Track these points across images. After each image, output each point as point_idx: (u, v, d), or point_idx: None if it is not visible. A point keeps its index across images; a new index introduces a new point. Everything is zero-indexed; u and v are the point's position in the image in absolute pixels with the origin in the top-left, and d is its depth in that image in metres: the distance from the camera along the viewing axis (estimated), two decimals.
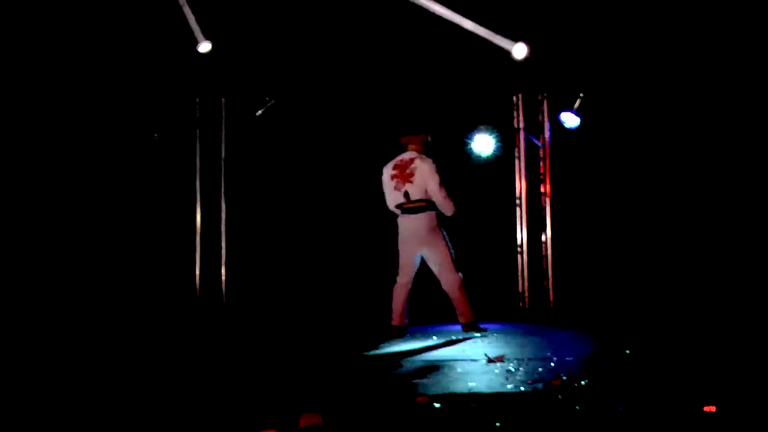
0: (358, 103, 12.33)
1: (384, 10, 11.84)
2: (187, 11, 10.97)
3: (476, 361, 8.88)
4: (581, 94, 11.81)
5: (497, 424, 6.42)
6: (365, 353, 9.56)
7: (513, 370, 8.35)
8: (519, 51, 11.29)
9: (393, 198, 10.23)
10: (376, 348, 9.80)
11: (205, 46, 11.41)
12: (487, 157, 12.24)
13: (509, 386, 7.68)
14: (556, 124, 12.22)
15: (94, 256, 12.13)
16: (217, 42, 11.87)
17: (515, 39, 11.83)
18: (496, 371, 8.34)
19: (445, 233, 10.18)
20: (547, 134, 12.46)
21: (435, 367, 8.63)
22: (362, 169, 11.97)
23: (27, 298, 11.74)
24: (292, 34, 12.04)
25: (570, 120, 11.85)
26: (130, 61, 12.05)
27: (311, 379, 8.18)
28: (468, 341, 10.16)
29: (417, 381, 7.99)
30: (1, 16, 11.33)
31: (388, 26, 11.94)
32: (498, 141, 12.24)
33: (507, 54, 11.57)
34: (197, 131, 12.58)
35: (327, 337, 10.51)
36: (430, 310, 11.53)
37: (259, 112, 11.87)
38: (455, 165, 12.42)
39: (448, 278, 10.15)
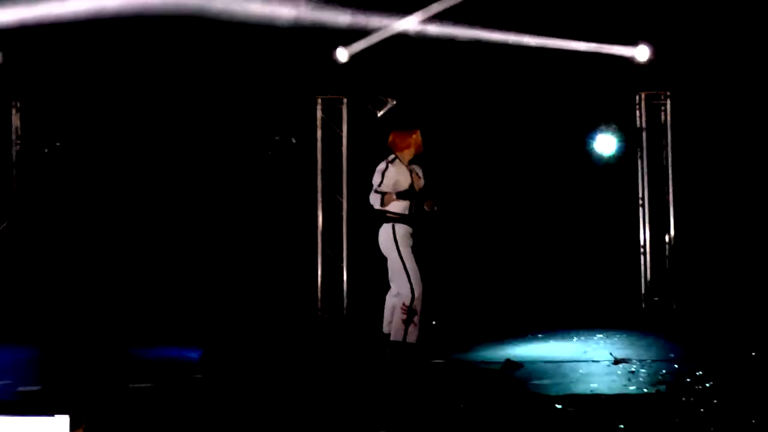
0: (482, 102, 12.45)
1: (502, 10, 11.97)
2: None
3: (598, 362, 8.98)
4: None
5: (620, 425, 6.54)
6: (488, 354, 9.70)
7: (635, 371, 8.44)
8: (642, 53, 11.35)
9: None
10: (500, 349, 9.92)
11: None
12: (609, 156, 12.29)
13: (631, 388, 7.79)
14: (680, 123, 12.23)
15: (217, 259, 12.43)
16: (338, 42, 12.11)
17: (638, 38, 11.88)
18: (619, 372, 8.44)
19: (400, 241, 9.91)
20: (670, 133, 12.46)
21: (557, 369, 8.75)
22: (492, 169, 12.24)
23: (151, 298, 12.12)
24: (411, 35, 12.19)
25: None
26: (252, 62, 12.30)
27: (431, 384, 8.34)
28: (590, 342, 10.26)
29: (538, 382, 8.13)
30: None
31: (509, 26, 12.04)
32: (620, 140, 12.27)
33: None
34: (318, 131, 12.82)
35: (445, 339, 10.63)
36: (554, 312, 11.64)
37: (381, 112, 12.03)
38: (577, 165, 12.48)
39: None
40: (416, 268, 9.74)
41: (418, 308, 9.66)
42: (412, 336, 9.69)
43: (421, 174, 10.02)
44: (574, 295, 12.27)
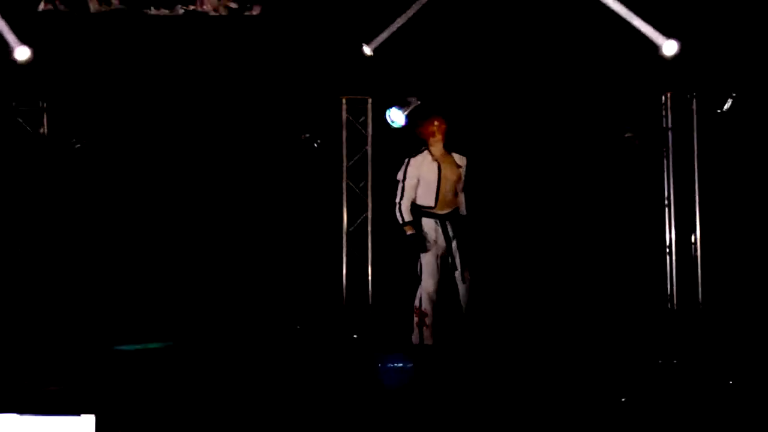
0: (506, 100, 12.43)
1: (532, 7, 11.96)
2: None
3: (623, 364, 8.96)
4: (733, 94, 11.73)
5: (643, 427, 6.52)
6: (509, 354, 9.70)
7: (661, 372, 8.42)
8: (669, 48, 11.25)
9: None
10: (521, 350, 9.92)
11: None
12: (634, 156, 12.27)
13: (657, 389, 7.76)
14: (707, 123, 12.20)
15: (242, 257, 12.45)
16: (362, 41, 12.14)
17: (664, 35, 11.83)
18: (644, 374, 8.41)
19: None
20: (696, 133, 12.42)
21: (582, 370, 8.72)
22: (517, 169, 12.20)
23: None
24: (438, 32, 12.18)
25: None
26: (278, 63, 12.34)
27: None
28: (614, 344, 10.24)
29: (560, 384, 8.12)
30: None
31: (533, 23, 12.04)
32: (646, 140, 12.22)
33: (655, 52, 11.58)
34: (344, 131, 12.84)
35: (467, 339, 10.61)
36: (578, 313, 11.61)
37: (406, 111, 12.03)
38: (602, 164, 12.45)
39: None
40: (432, 267, 9.80)
41: (428, 309, 9.75)
42: (427, 338, 9.76)
43: (462, 163, 10.05)
44: (598, 295, 12.24)
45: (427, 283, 9.86)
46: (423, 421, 6.92)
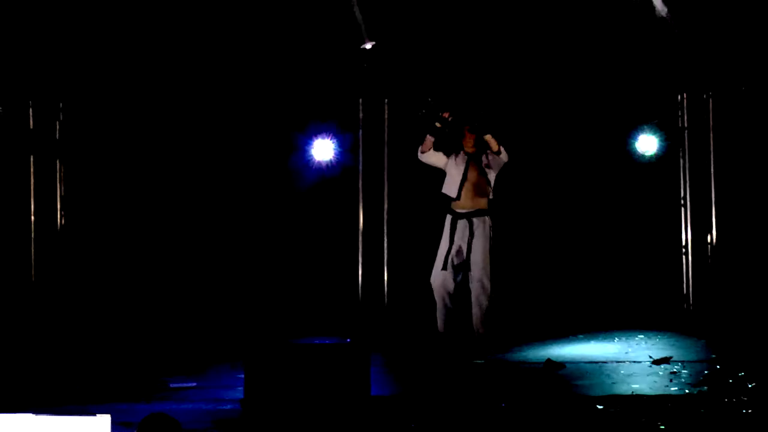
0: (521, 99, 12.39)
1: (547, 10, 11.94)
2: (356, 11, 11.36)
3: (640, 363, 8.94)
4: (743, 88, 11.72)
5: (662, 426, 6.51)
6: (529, 354, 9.69)
7: (677, 371, 8.40)
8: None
9: None
10: (541, 349, 9.91)
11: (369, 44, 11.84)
12: (651, 157, 12.21)
13: (673, 388, 7.75)
14: (722, 123, 12.15)
15: (258, 256, 12.44)
16: (380, 41, 12.09)
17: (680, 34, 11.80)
18: (660, 373, 8.40)
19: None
20: (712, 133, 12.37)
21: (598, 369, 8.72)
22: (532, 168, 12.17)
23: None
24: (453, 33, 12.16)
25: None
26: (295, 64, 12.33)
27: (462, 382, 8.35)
28: (631, 343, 10.22)
29: (579, 383, 8.11)
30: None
31: (546, 22, 12.01)
32: (662, 141, 12.18)
33: (671, 53, 11.56)
34: (360, 132, 12.81)
35: (486, 336, 10.59)
36: (595, 313, 11.60)
37: (422, 111, 12.03)
38: (618, 165, 12.41)
39: None
40: (442, 258, 10.00)
41: (436, 298, 10.22)
42: (440, 327, 10.18)
43: (485, 163, 10.22)
44: (615, 295, 12.21)
45: (436, 273, 10.17)
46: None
